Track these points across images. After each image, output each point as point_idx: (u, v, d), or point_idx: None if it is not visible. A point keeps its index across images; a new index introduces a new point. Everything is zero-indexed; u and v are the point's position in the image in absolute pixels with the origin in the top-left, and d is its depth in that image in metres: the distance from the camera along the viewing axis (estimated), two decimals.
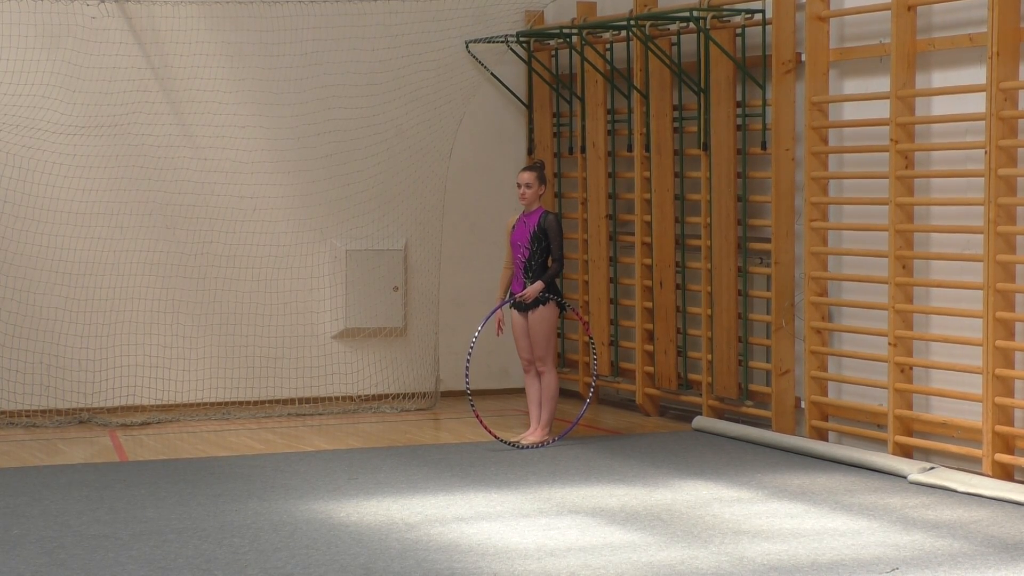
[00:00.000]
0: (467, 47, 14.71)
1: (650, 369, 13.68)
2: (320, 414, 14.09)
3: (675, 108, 13.40)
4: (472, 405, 11.95)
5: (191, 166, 14.07)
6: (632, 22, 13.23)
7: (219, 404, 14.11)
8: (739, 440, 12.23)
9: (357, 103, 14.44)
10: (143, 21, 13.96)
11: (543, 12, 14.98)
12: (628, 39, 13.73)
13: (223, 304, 14.16)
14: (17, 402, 13.54)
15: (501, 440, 12.03)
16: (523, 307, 12.07)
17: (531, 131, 15.23)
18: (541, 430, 12.16)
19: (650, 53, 13.33)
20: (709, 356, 12.90)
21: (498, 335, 12.32)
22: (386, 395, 14.55)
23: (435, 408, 14.39)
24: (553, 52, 14.97)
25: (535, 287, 11.93)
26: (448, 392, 14.76)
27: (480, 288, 15.08)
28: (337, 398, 14.43)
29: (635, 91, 13.63)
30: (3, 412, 13.49)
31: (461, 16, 14.65)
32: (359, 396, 14.49)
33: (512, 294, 12.14)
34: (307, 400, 14.35)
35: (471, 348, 11.89)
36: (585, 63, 14.21)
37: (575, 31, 14.16)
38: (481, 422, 11.99)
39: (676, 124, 13.40)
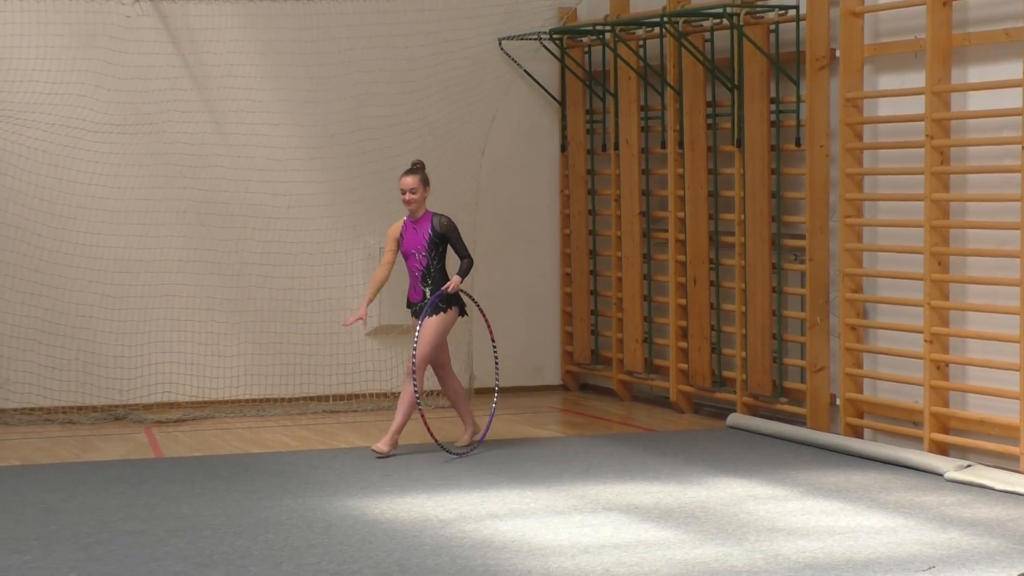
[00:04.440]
0: (500, 44, 14.70)
1: (684, 366, 13.64)
2: (354, 411, 14.09)
3: (708, 104, 13.35)
4: (419, 405, 11.43)
5: (225, 164, 14.08)
6: (665, 19, 13.19)
7: (254, 401, 14.12)
8: (773, 437, 12.17)
9: (390, 100, 14.44)
10: (178, 20, 13.98)
11: (576, 9, 14.94)
12: (661, 35, 13.69)
13: (257, 301, 14.17)
14: (54, 399, 13.59)
15: (440, 444, 11.54)
16: (420, 312, 11.49)
17: (564, 128, 15.20)
18: (388, 436, 11.54)
19: (683, 49, 13.28)
20: (743, 353, 12.84)
21: (345, 324, 11.96)
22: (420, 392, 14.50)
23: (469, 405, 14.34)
24: (586, 49, 14.94)
25: (455, 281, 11.40)
26: (482, 389, 14.73)
27: (514, 285, 15.09)
28: (371, 395, 14.43)
29: (668, 87, 13.59)
30: (40, 409, 13.53)
31: (494, 13, 14.65)
32: (393, 393, 14.46)
33: (411, 303, 11.58)
34: (341, 397, 14.35)
35: (414, 348, 11.30)
36: (618, 60, 14.18)
37: (608, 28, 14.13)
38: (426, 424, 11.44)
39: (709, 120, 13.35)
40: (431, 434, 11.46)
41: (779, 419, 12.50)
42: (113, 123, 13.77)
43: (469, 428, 11.89)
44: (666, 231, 13.87)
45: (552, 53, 14.89)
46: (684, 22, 13.19)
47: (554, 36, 14.71)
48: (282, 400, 14.18)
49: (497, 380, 12.12)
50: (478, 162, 14.77)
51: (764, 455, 11.49)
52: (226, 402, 14.00)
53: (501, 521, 9.35)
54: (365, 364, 14.44)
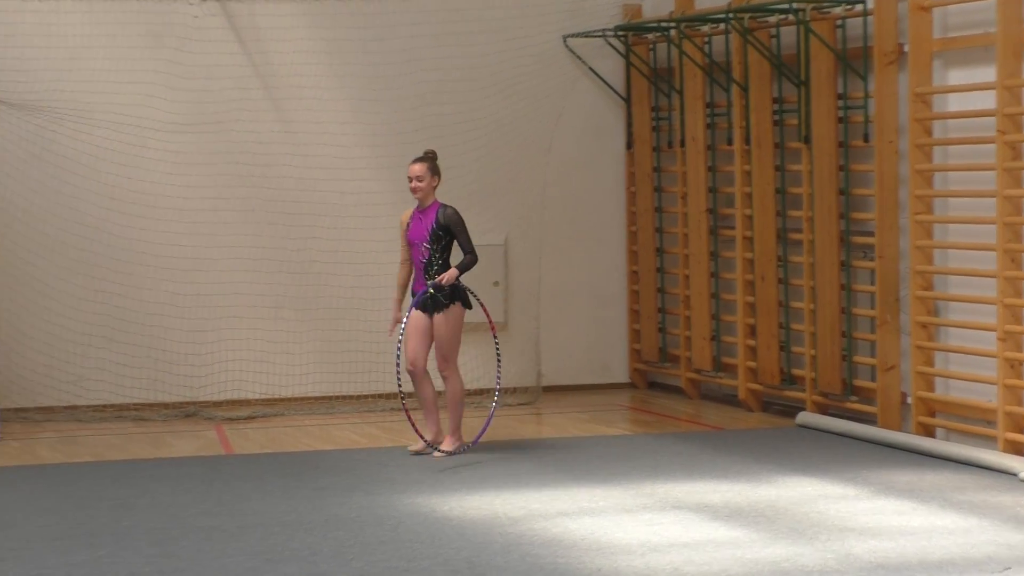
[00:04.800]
0: (564, 42, 14.69)
1: (752, 364, 13.58)
2: (422, 409, 14.06)
3: (775, 101, 13.29)
4: (403, 402, 11.41)
5: (292, 162, 14.14)
6: (731, 15, 13.14)
7: (322, 398, 14.18)
8: (844, 436, 12.10)
9: (455, 99, 14.46)
10: (244, 19, 14.05)
11: (641, 5, 14.92)
12: (727, 32, 13.64)
13: (326, 299, 14.22)
14: (126, 396, 13.70)
15: (427, 443, 11.44)
16: (427, 308, 11.35)
17: (629, 125, 15.17)
18: (451, 437, 11.50)
19: (749, 46, 13.23)
20: (812, 351, 12.78)
21: (391, 335, 11.68)
22: (487, 390, 14.51)
23: (537, 403, 14.37)
24: (651, 46, 14.90)
25: (451, 273, 11.18)
26: (550, 387, 14.75)
27: (581, 282, 15.09)
28: (439, 392, 14.41)
29: (734, 84, 13.54)
30: (113, 406, 13.64)
31: (558, 11, 14.65)
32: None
33: (414, 293, 11.39)
34: (410, 395, 14.33)
35: (399, 348, 11.24)
36: (683, 56, 14.13)
37: (673, 24, 14.09)
38: (411, 422, 11.39)
39: (776, 117, 13.29)
40: (417, 432, 11.40)
41: (849, 418, 12.42)
42: (180, 122, 13.85)
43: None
44: (733, 228, 13.82)
45: (617, 50, 14.87)
46: (750, 18, 13.14)
47: (619, 33, 14.69)
48: (351, 397, 14.23)
49: (499, 381, 11.89)
50: (544, 160, 14.77)
51: (834, 454, 11.43)
52: (295, 399, 14.06)
53: (570, 519, 9.34)
54: (433, 361, 14.42)
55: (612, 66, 15.07)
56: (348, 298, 14.27)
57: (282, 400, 14.05)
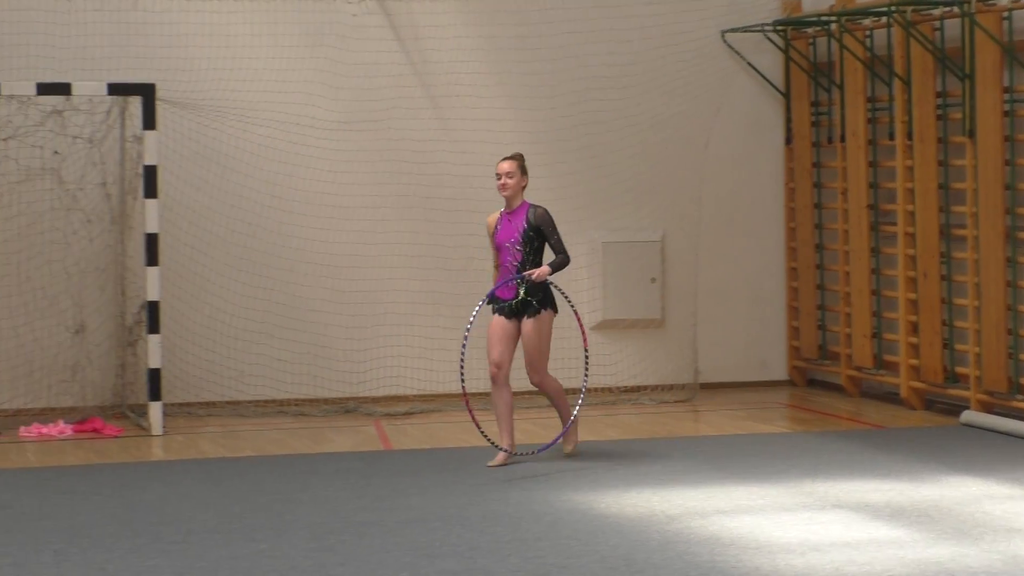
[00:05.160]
0: (723, 37, 14.59)
1: (915, 362, 13.37)
2: (579, 405, 14.05)
3: (938, 95, 13.07)
4: (467, 402, 10.97)
5: (450, 160, 14.20)
6: (893, 8, 12.95)
7: (480, 394, 14.18)
8: (1010, 435, 11.86)
9: (613, 95, 14.43)
10: (402, 17, 14.15)
11: (800, 0, 14.76)
12: (889, 25, 13.44)
13: (482, 296, 14.23)
14: (287, 391, 13.86)
15: (493, 443, 11.03)
16: (513, 312, 10.95)
17: (788, 120, 15.02)
18: (571, 435, 11.23)
19: (912, 39, 13.03)
20: (977, 349, 12.54)
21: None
22: (644, 387, 14.49)
23: (694, 400, 14.29)
24: (811, 40, 14.74)
25: (543, 270, 10.76)
26: (707, 384, 14.66)
27: (739, 279, 14.98)
28: (595, 389, 14.41)
29: (896, 78, 13.34)
30: (274, 401, 13.81)
31: (717, 6, 14.56)
32: (617, 388, 14.46)
33: (499, 300, 10.95)
34: (566, 391, 14.33)
35: (463, 348, 10.86)
36: (844, 50, 13.96)
37: (834, 18, 13.93)
38: (475, 423, 10.98)
39: (939, 111, 13.07)
40: (480, 431, 10.98)
41: (1016, 417, 12.17)
42: (339, 120, 13.98)
43: (507, 438, 11.09)
44: (895, 224, 13.62)
45: (776, 45, 14.73)
46: (913, 11, 12.93)
47: (778, 28, 14.56)
48: None
49: (584, 386, 11.48)
50: (701, 156, 14.68)
51: (1000, 453, 11.21)
52: (453, 395, 14.10)
53: (728, 517, 9.28)
54: (590, 357, 14.40)
55: (771, 61, 14.94)
56: None
57: (440, 396, 14.12)
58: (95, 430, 12.71)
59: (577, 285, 14.41)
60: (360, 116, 14.02)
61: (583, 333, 11.35)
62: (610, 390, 14.40)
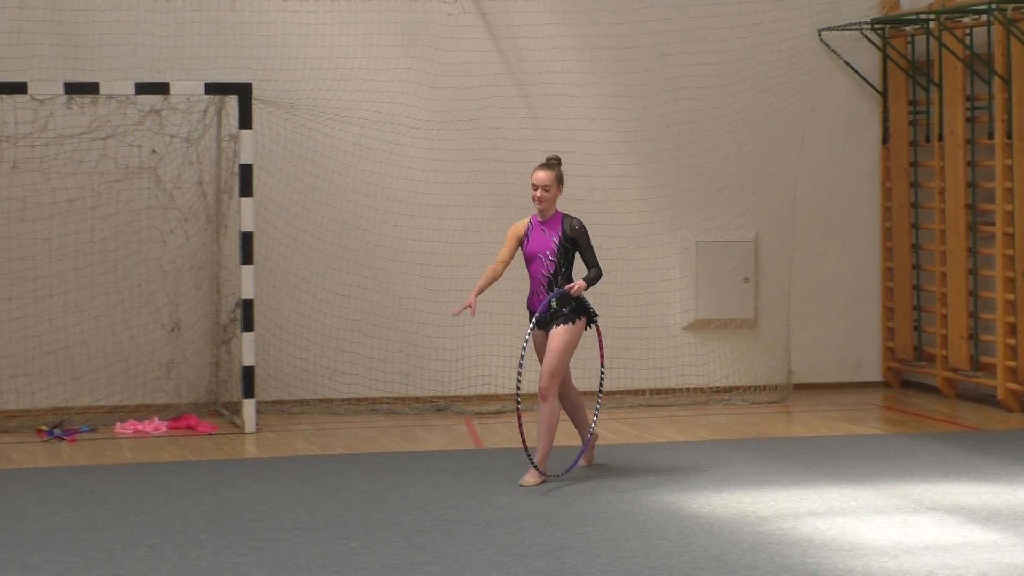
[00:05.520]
0: (819, 35, 14.49)
1: (1012, 364, 13.21)
2: (670, 405, 14.07)
3: None
4: (518, 404, 10.40)
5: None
6: (993, 6, 12.81)
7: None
8: None
9: (706, 94, 14.38)
10: (497, 16, 14.17)
11: None
12: (989, 23, 13.30)
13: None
14: (379, 389, 13.92)
15: (529, 458, 10.39)
16: (543, 323, 10.46)
17: (885, 119, 14.90)
18: (537, 469, 10.37)
19: (1012, 37, 12.87)
20: None
21: (454, 314, 11.02)
22: (736, 387, 14.44)
23: (787, 401, 14.21)
24: (909, 38, 14.61)
25: (579, 284, 10.22)
26: (800, 385, 14.58)
27: (833, 279, 14.89)
28: (687, 389, 14.39)
29: (996, 76, 13.19)
30: (366, 399, 13.88)
31: (814, 4, 14.47)
32: (709, 388, 14.41)
33: (539, 313, 10.39)
34: (657, 391, 14.35)
35: (523, 352, 10.36)
36: (943, 49, 13.82)
37: (933, 16, 13.80)
38: (520, 430, 10.49)
39: None
40: (524, 443, 10.46)
41: None
42: (434, 119, 14.03)
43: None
44: (993, 224, 13.47)
45: (873, 43, 14.61)
46: (1013, 8, 12.78)
47: (876, 26, 14.44)
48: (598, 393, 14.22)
49: (600, 402, 11.08)
50: (796, 155, 14.59)
51: None
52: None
53: (820, 519, 9.23)
54: (681, 358, 14.42)
55: (868, 59, 14.83)
56: (597, 294, 14.22)
57: (532, 395, 14.10)
58: (189, 427, 12.83)
59: (669, 285, 14.42)
60: (454, 115, 14.06)
61: (601, 350, 10.90)
62: (702, 390, 14.36)
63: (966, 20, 13.65)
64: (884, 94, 14.87)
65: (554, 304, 10.39)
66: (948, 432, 12.51)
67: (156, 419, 12.96)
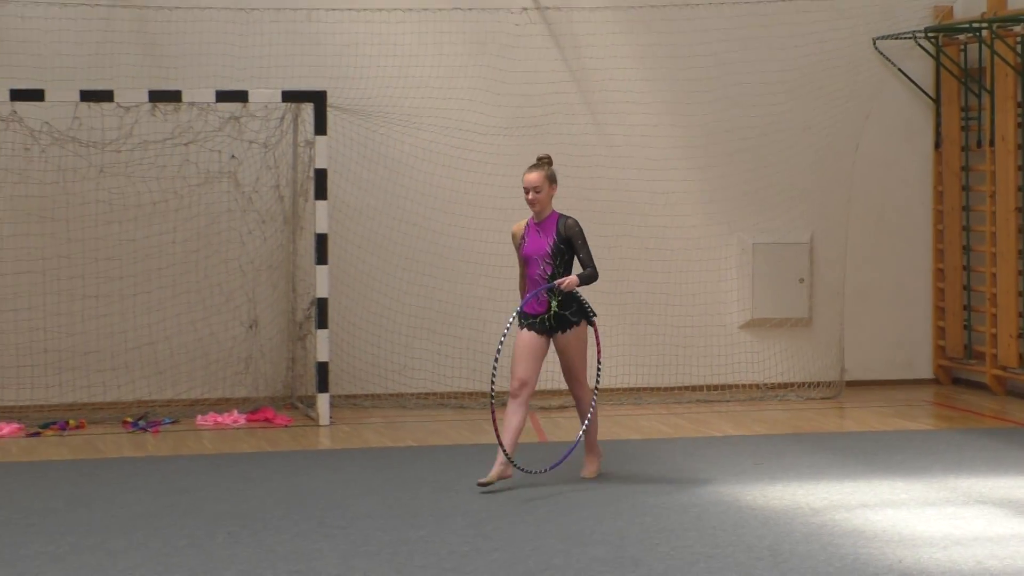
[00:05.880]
0: (874, 44, 14.44)
1: None
2: (727, 401, 14.06)
3: None
4: (492, 400, 9.85)
5: (606, 163, 14.23)
6: None
7: (631, 390, 14.24)
8: None
9: (764, 101, 14.35)
10: (562, 27, 14.20)
11: (952, 7, 14.56)
12: None
13: (635, 294, 14.28)
14: (447, 385, 13.97)
15: (507, 455, 9.89)
16: (546, 328, 9.93)
17: (938, 125, 14.83)
18: (594, 455, 10.22)
19: None
20: None
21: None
22: (791, 384, 14.41)
23: (839, 397, 14.17)
24: (962, 46, 14.54)
25: (571, 280, 9.69)
26: (853, 382, 14.54)
27: (886, 280, 14.84)
28: (743, 386, 14.38)
29: None
30: (435, 394, 13.94)
31: (869, 14, 14.41)
32: (765, 384, 14.39)
33: (528, 315, 9.91)
34: (714, 387, 14.34)
35: (498, 350, 9.85)
36: (995, 56, 13.75)
37: (985, 25, 13.73)
38: (495, 428, 9.92)
39: None
40: (500, 442, 9.91)
41: None
42: (500, 125, 14.07)
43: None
44: None
45: (927, 51, 14.55)
46: None
47: (929, 34, 14.37)
48: (658, 389, 14.25)
49: (593, 405, 10.33)
50: (850, 160, 14.55)
51: None
52: (605, 390, 14.11)
53: (871, 511, 9.21)
54: (738, 356, 14.40)
55: (921, 67, 14.75)
56: (656, 294, 14.29)
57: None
58: (266, 419, 12.93)
59: (727, 285, 14.41)
60: (520, 121, 14.10)
61: (599, 350, 10.32)
62: (757, 386, 14.35)
63: (1018, 28, 13.57)
64: (937, 100, 14.81)
65: (555, 307, 9.89)
66: (997, 428, 12.44)
67: (235, 412, 13.06)
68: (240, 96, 12.90)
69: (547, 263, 9.84)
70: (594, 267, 9.84)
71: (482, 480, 9.89)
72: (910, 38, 14.38)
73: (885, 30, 14.39)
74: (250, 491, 10.05)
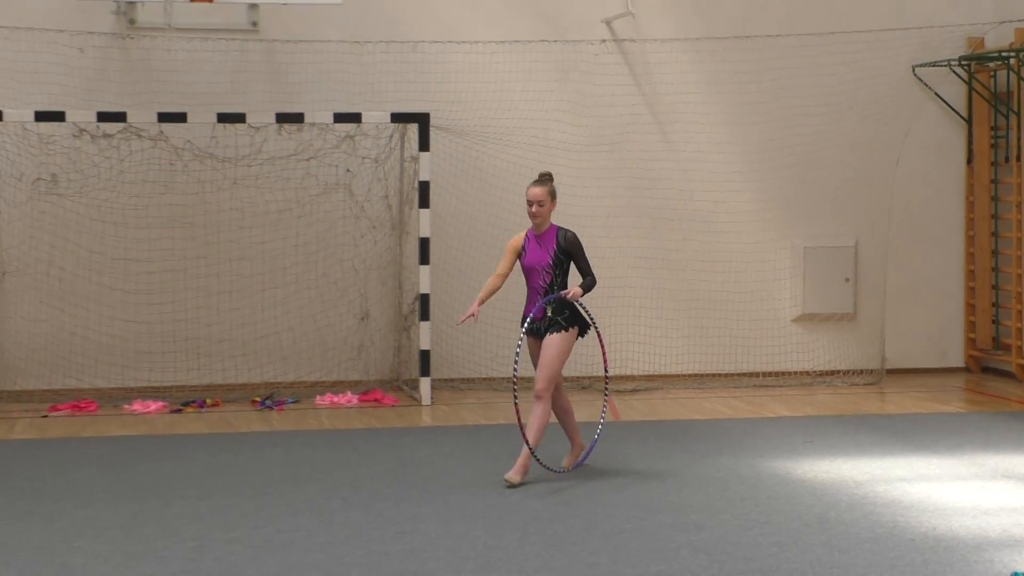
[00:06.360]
0: (913, 71, 14.28)
1: None
2: (780, 386, 13.96)
3: None
4: (515, 396, 9.26)
5: (674, 176, 14.18)
6: None
7: (695, 375, 14.17)
8: None
9: (815, 121, 14.25)
10: (636, 56, 14.16)
11: (983, 38, 14.36)
12: None
13: (698, 292, 14.22)
14: (532, 371, 13.91)
15: (530, 449, 9.24)
16: (539, 331, 9.35)
17: (970, 143, 14.64)
18: (521, 464, 9.24)
19: None
20: None
21: (459, 323, 10.01)
22: (837, 371, 14.29)
23: (880, 383, 14.03)
24: (992, 73, 14.34)
25: (575, 291, 9.12)
26: (892, 370, 14.40)
27: (922, 279, 14.69)
28: (795, 372, 14.27)
29: None
30: (522, 378, 13.75)
31: (908, 44, 14.26)
32: (814, 371, 14.28)
33: (533, 319, 9.28)
34: (769, 374, 14.24)
35: (517, 352, 9.14)
36: (1021, 82, 13.54)
37: (1013, 54, 13.54)
38: (519, 421, 9.24)
39: None
40: (523, 431, 9.29)
41: None
42: (581, 143, 14.05)
43: (575, 448, 9.71)
44: None
45: (960, 77, 14.37)
46: None
47: (963, 62, 14.20)
48: (718, 375, 14.18)
49: (605, 409, 9.95)
50: (892, 173, 14.40)
51: None
52: (672, 376, 14.10)
53: (908, 484, 9.12)
54: (789, 346, 14.30)
55: (955, 91, 14.58)
56: (717, 291, 14.23)
57: (660, 376, 14.12)
58: (376, 400, 12.99)
59: (780, 284, 14.31)
60: (599, 140, 14.07)
61: (604, 356, 9.83)
62: (807, 373, 14.23)
63: None
64: (969, 121, 14.62)
65: (550, 312, 9.30)
66: (1021, 411, 12.26)
67: (348, 393, 13.13)
68: (354, 118, 12.97)
69: (548, 272, 9.27)
70: (593, 275, 9.25)
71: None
72: (945, 66, 14.21)
73: (923, 58, 14.24)
74: (361, 462, 10.10)
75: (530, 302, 9.33)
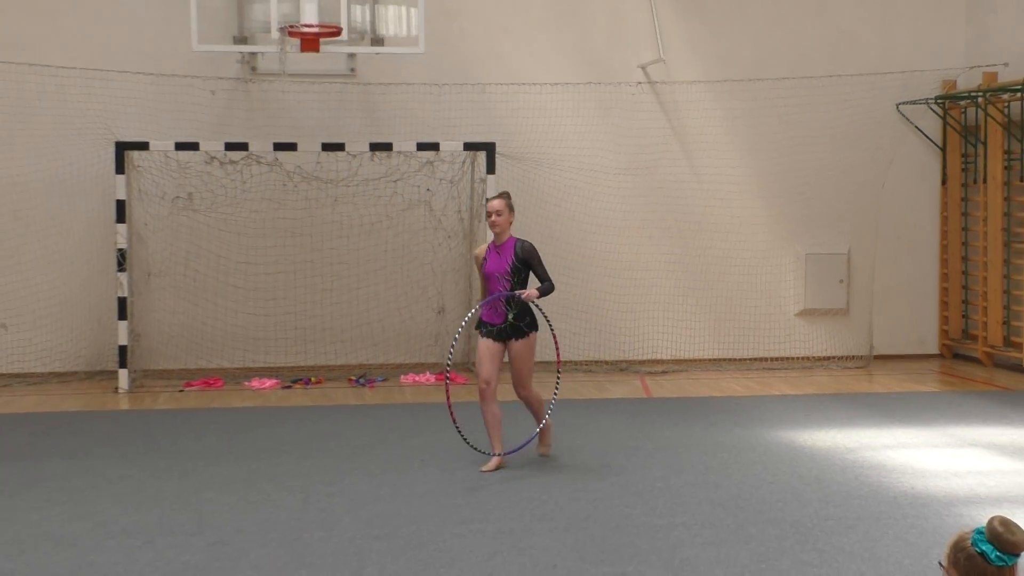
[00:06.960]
0: (897, 107, 14.15)
1: None
2: (785, 369, 13.87)
3: None
4: (448, 380, 8.53)
5: (697, 194, 14.13)
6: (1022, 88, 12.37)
7: (714, 360, 14.11)
8: None
9: (814, 150, 14.15)
10: (666, 95, 14.12)
11: (956, 80, 14.21)
12: (1022, 99, 12.83)
13: (717, 290, 14.16)
14: (579, 354, 13.96)
15: (477, 449, 8.68)
16: (501, 335, 8.54)
17: (944, 168, 14.48)
18: (545, 438, 8.89)
19: None
20: None
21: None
22: (832, 357, 14.18)
23: (868, 367, 13.91)
24: (963, 109, 14.18)
25: (531, 292, 8.38)
26: (879, 355, 14.28)
27: (905, 281, 14.56)
28: (797, 358, 14.18)
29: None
30: (569, 362, 13.90)
31: (893, 85, 14.15)
32: (813, 357, 14.18)
33: (487, 324, 8.55)
34: (776, 359, 14.16)
35: (449, 358, 8.35)
36: (988, 117, 13.39)
37: (981, 94, 13.38)
38: (452, 414, 8.45)
39: None
40: (455, 421, 8.55)
41: None
42: (621, 168, 14.03)
43: (498, 445, 8.69)
44: (1023, 243, 12.99)
45: (936, 113, 14.22)
46: None
47: (939, 101, 14.05)
48: (734, 360, 14.11)
49: (554, 400, 9.15)
50: (878, 193, 14.28)
51: None
52: (695, 360, 14.06)
53: (892, 451, 9.05)
54: (794, 335, 14.21)
55: (932, 125, 14.43)
56: (732, 290, 14.16)
57: (686, 360, 14.07)
58: (450, 379, 12.99)
59: (785, 284, 14.22)
60: (635, 164, 14.04)
61: (558, 354, 9.15)
62: (807, 358, 14.14)
63: (1005, 96, 13.21)
64: (943, 149, 14.46)
65: (511, 318, 8.50)
66: (987, 391, 12.12)
67: (427, 373, 13.17)
68: (433, 147, 13.01)
69: (506, 280, 8.48)
70: (550, 280, 8.46)
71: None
72: (924, 103, 14.07)
73: (905, 97, 14.11)
74: (437, 430, 10.11)
75: (491, 308, 8.54)
